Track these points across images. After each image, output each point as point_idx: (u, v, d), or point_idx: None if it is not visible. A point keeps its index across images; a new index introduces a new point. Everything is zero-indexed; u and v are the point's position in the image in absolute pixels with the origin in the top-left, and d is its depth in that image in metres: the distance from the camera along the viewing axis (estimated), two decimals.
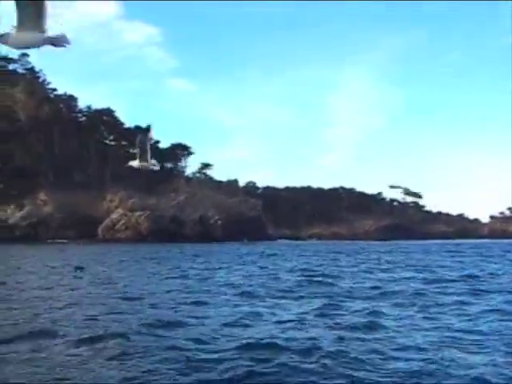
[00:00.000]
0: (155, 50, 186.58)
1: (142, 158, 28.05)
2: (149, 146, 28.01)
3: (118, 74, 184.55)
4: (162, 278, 19.27)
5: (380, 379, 6.38)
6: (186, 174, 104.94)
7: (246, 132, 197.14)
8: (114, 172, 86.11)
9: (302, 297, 13.73)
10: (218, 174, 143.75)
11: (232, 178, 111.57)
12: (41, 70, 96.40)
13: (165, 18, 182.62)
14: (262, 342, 8.22)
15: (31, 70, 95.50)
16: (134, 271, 22.48)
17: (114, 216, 79.18)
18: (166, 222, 78.90)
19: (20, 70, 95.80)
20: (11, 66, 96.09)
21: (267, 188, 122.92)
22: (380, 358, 7.30)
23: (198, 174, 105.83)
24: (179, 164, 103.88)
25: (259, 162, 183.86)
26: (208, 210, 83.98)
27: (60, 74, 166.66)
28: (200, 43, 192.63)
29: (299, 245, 72.05)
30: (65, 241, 70.28)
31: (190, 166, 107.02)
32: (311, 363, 7.01)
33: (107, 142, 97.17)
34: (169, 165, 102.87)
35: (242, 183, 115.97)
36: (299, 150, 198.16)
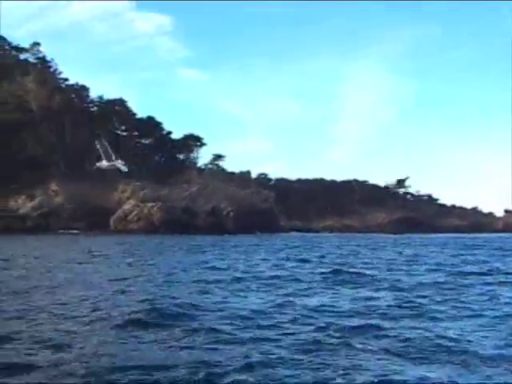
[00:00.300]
0: (166, 40, 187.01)
1: (108, 159, 28.84)
2: (109, 148, 28.86)
3: (129, 64, 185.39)
4: (194, 268, 20.06)
5: (428, 355, 7.34)
6: (199, 165, 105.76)
7: (256, 124, 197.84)
8: (125, 162, 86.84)
9: (338, 286, 14.54)
10: (230, 165, 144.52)
11: (244, 169, 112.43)
12: (52, 60, 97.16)
13: (176, 8, 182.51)
14: (315, 325, 9.08)
15: (43, 59, 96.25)
16: (166, 262, 23.25)
17: (127, 207, 79.90)
18: (178, 212, 79.43)
19: (31, 60, 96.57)
20: (22, 56, 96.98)
21: (279, 180, 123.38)
22: (427, 339, 8.12)
23: (210, 166, 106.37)
24: (191, 155, 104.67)
25: (270, 154, 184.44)
26: (220, 202, 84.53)
27: (70, 63, 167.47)
28: (211, 33, 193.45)
29: (314, 237, 72.77)
30: (76, 231, 71.08)
31: (202, 157, 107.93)
32: (371, 345, 7.81)
33: (119, 132, 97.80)
34: (181, 156, 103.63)
35: (253, 175, 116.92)
36: (309, 143, 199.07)
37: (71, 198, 79.65)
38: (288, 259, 25.02)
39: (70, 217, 78.76)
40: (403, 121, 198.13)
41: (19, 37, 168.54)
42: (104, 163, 26.17)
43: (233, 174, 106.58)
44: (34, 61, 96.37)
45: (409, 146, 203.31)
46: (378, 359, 7.05)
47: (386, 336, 8.43)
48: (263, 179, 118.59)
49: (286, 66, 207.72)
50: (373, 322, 9.55)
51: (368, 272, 18.18)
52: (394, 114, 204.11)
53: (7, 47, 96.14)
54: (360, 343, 7.86)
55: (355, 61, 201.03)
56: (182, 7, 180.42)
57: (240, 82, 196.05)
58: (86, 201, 78.26)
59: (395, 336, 8.37)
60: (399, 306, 11.32)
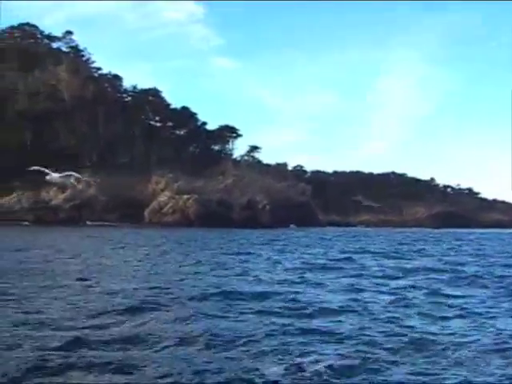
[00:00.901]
0: (198, 28, 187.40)
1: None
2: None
3: (161, 53, 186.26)
4: (259, 261, 20.40)
5: None
6: (234, 156, 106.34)
7: (292, 115, 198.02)
8: (159, 154, 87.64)
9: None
10: (266, 157, 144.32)
11: (279, 161, 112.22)
12: (85, 49, 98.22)
13: None
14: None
15: (75, 48, 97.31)
16: (230, 257, 23.57)
17: (162, 199, 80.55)
18: (213, 205, 79.55)
19: (64, 49, 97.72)
20: (55, 44, 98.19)
21: (315, 172, 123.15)
22: None
23: (245, 157, 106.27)
24: (227, 146, 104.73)
25: (306, 145, 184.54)
26: (256, 194, 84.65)
27: (102, 52, 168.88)
28: (244, 21, 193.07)
29: (357, 231, 72.72)
30: (108, 223, 71.66)
31: (238, 148, 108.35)
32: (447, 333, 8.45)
33: (153, 122, 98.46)
34: (216, 147, 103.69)
35: (289, 167, 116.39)
36: (346, 135, 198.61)
37: (104, 189, 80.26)
38: (346, 251, 25.29)
39: (102, 209, 79.40)
40: (443, 111, 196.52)
41: (50, 25, 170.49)
42: (55, 175, 26.79)
43: (269, 165, 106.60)
44: (67, 50, 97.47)
45: (449, 139, 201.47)
46: None
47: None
48: (299, 171, 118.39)
49: (323, 56, 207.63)
50: None
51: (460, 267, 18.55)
52: (433, 105, 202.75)
53: (39, 36, 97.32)
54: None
55: (393, 51, 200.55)
56: None
57: (275, 71, 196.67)
58: (119, 193, 78.79)
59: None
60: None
